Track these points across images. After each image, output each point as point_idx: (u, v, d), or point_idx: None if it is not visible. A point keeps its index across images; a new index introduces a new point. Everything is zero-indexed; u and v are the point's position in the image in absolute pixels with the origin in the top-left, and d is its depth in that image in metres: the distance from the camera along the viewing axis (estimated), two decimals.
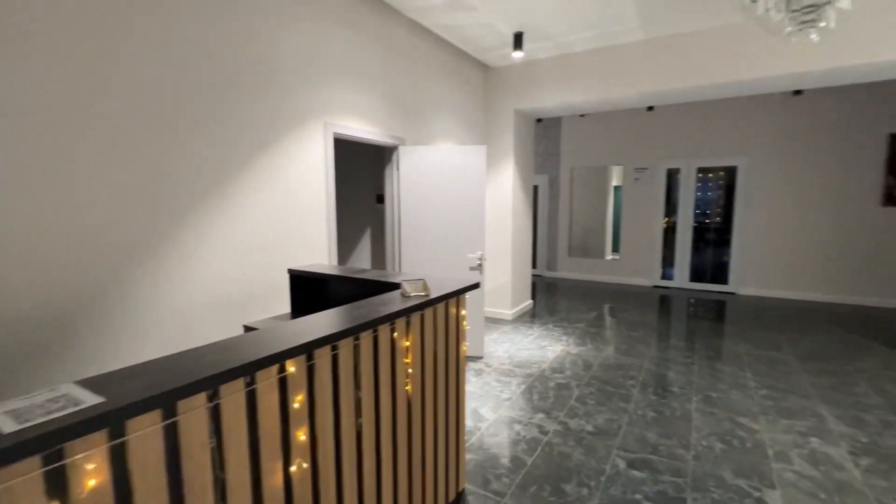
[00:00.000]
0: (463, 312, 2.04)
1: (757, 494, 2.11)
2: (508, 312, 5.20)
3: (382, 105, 3.57)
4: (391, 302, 1.67)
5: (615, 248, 8.11)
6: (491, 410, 2.97)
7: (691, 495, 2.11)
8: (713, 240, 6.90)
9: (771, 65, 3.70)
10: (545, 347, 4.22)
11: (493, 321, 5.11)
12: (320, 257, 3.08)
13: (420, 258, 3.80)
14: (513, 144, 5.02)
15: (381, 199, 4.22)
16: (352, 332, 1.36)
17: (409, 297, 1.73)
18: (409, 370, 1.70)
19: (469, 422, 2.82)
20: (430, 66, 4.13)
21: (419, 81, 4.00)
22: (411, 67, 3.89)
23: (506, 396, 3.18)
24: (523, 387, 3.34)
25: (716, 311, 5.66)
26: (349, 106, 3.23)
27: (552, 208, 8.05)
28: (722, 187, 6.80)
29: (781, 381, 3.41)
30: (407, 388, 1.71)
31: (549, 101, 4.73)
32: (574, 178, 7.96)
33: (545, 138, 7.95)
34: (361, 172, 4.69)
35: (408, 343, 1.68)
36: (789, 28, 2.46)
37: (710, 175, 6.84)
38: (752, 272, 6.52)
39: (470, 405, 3.04)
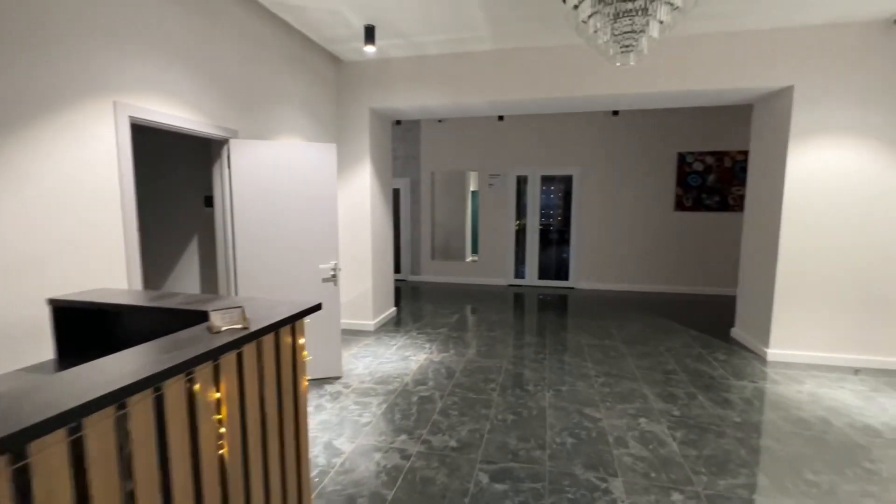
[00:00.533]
0: (302, 341, 1.70)
1: (604, 486, 2.23)
2: (370, 323, 4.91)
3: (208, 90, 2.95)
4: (191, 342, 1.25)
5: (474, 250, 8.46)
6: (348, 440, 2.65)
7: (549, 500, 2.12)
8: (556, 241, 7.66)
9: (597, 86, 4.14)
10: (409, 358, 4.05)
11: (354, 334, 4.76)
12: (117, 280, 2.36)
13: (261, 274, 3.25)
14: (369, 145, 4.75)
15: (210, 201, 3.53)
16: (110, 399, 0.93)
17: (219, 332, 1.33)
18: (223, 429, 1.29)
19: (322, 458, 2.46)
20: (273, 53, 3.61)
21: (259, 69, 3.45)
22: (251, 53, 3.33)
23: (365, 420, 2.89)
24: (385, 406, 3.09)
25: (560, 306, 6.25)
26: (155, 85, 2.57)
27: (414, 212, 8.02)
28: (562, 194, 7.60)
29: (615, 367, 3.83)
30: (222, 451, 1.30)
31: (405, 101, 4.59)
32: (435, 181, 8.05)
33: (405, 141, 7.87)
34: (186, 170, 3.88)
35: (218, 395, 1.27)
36: (612, 51, 2.71)
37: (552, 182, 7.57)
38: (587, 268, 7.41)
39: (323, 438, 2.67)
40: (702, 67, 3.91)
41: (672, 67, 3.96)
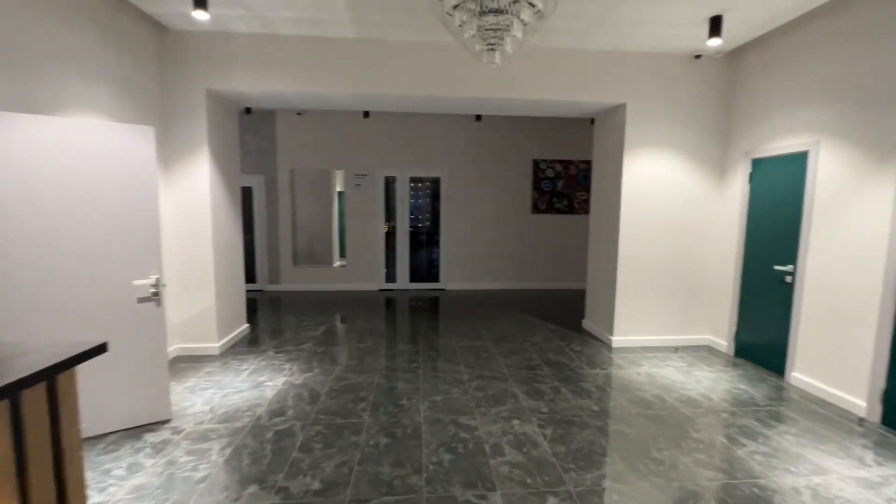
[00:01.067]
0: (74, 398, 1.16)
1: (483, 503, 2.10)
2: (215, 346, 4.12)
3: None
4: None
5: (343, 255, 7.96)
6: None
7: None
8: (426, 242, 7.63)
9: (460, 87, 4.13)
10: (263, 384, 3.47)
11: (194, 361, 3.94)
12: None
13: (31, 302, 2.37)
14: (207, 132, 3.98)
15: None
16: None
17: None
18: None
19: None
20: (58, 7, 2.69)
21: (40, 23, 2.53)
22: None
23: (202, 474, 2.30)
24: (229, 451, 2.52)
25: (432, 309, 6.20)
26: None
27: (271, 213, 7.17)
28: (430, 195, 7.60)
29: (486, 369, 3.84)
30: None
31: (252, 85, 3.96)
32: (296, 180, 7.32)
33: (258, 133, 6.98)
34: None
35: None
36: (478, 47, 2.64)
37: (420, 184, 7.52)
38: (456, 269, 7.54)
39: None
40: (554, 80, 4.18)
41: (529, 77, 4.15)
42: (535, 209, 7.56)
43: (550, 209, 7.58)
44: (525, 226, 7.59)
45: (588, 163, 7.55)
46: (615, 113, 4.49)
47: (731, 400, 3.28)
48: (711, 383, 3.58)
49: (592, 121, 6.80)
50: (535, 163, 7.46)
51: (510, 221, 7.55)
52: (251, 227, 7.11)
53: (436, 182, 7.44)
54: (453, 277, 7.55)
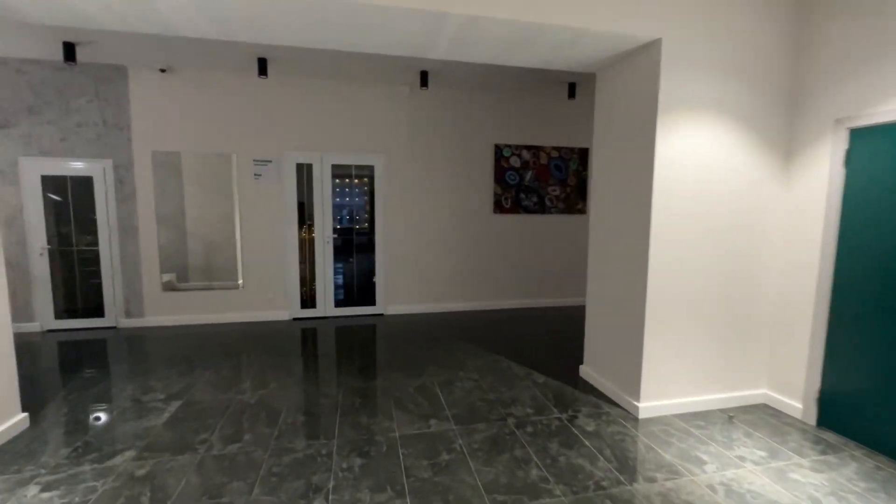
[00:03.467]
0: None
1: None
2: None
3: None
4: None
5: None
6: None
7: None
8: (357, 253, 5.74)
9: None
10: None
11: None
12: None
13: None
14: None
15: None
16: None
17: None
18: None
19: None
20: None
21: None
22: None
23: None
24: None
25: (364, 347, 4.35)
26: None
27: (125, 214, 4.94)
28: (363, 191, 5.72)
29: (450, 491, 2.10)
30: None
31: None
32: (183, 167, 5.12)
33: (99, 98, 4.73)
34: None
35: None
36: None
37: (348, 175, 5.63)
38: (398, 288, 5.73)
39: None
40: None
41: None
42: (499, 208, 5.94)
43: (517, 208, 6.00)
44: (486, 229, 5.95)
45: (561, 150, 6.05)
46: (638, 58, 2.93)
47: None
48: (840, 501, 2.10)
49: (572, 92, 5.28)
50: (498, 149, 5.85)
51: (467, 223, 5.87)
52: (92, 233, 4.85)
53: (369, 172, 5.58)
54: (395, 298, 5.74)
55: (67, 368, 3.73)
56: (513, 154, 5.90)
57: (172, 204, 5.10)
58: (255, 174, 5.18)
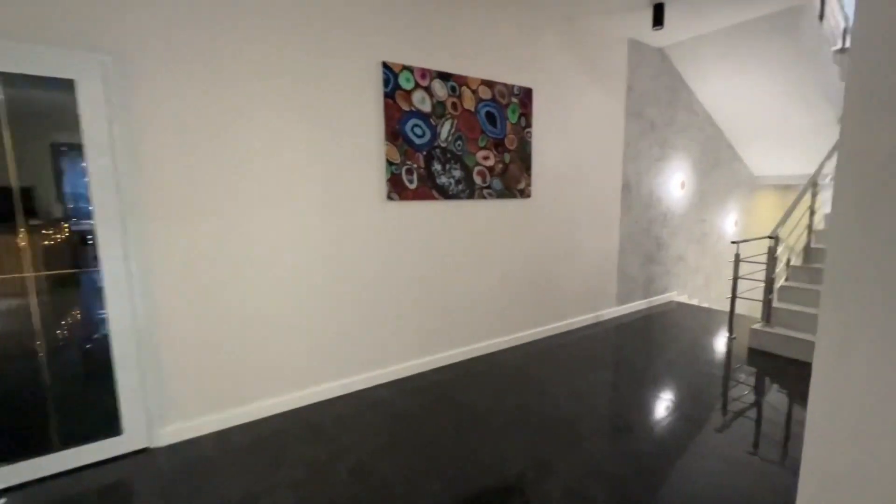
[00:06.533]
0: None
1: None
2: None
3: None
4: None
5: None
6: None
7: None
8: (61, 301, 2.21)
9: None
10: None
11: None
12: None
13: None
14: None
15: None
16: None
17: None
18: None
19: None
20: None
21: None
22: None
23: None
24: None
25: None
26: None
27: None
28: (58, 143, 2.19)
29: None
30: None
31: None
32: None
33: None
34: None
35: None
36: None
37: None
38: (176, 387, 2.43)
39: None
40: None
41: None
42: (397, 188, 3.09)
43: (430, 188, 3.24)
44: (373, 232, 3.05)
45: (494, 87, 3.50)
46: None
47: None
48: None
49: None
50: (389, 73, 2.98)
51: (336, 220, 2.89)
52: None
53: (58, 101, 2.11)
54: (173, 412, 2.42)
55: None
56: (417, 86, 3.10)
57: None
58: None
